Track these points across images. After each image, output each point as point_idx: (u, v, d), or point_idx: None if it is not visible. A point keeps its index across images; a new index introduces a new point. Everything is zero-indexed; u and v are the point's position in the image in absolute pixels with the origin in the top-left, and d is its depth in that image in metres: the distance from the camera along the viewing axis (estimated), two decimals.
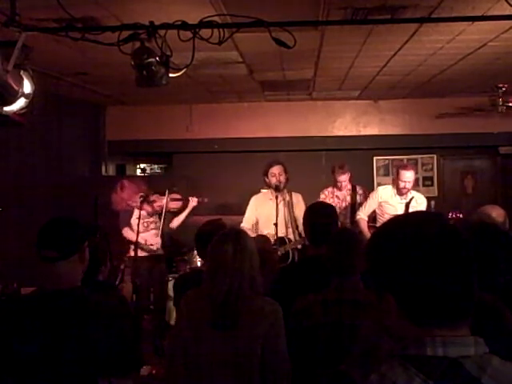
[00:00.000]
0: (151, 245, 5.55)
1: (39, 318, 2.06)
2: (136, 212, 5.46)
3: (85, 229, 2.27)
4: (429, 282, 1.06)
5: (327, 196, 6.18)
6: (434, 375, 1.01)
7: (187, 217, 5.90)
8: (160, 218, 5.66)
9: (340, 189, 6.14)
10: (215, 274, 2.40)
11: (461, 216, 5.32)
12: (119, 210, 5.54)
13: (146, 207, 5.57)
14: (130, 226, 5.45)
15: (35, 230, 2.18)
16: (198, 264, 5.59)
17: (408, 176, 5.52)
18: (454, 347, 1.04)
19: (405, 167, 5.65)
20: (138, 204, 5.42)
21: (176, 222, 5.77)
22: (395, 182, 5.71)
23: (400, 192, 5.62)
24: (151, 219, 5.65)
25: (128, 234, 5.45)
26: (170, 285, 6.05)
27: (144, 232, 5.49)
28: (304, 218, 3.42)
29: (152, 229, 5.63)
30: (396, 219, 1.21)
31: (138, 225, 5.24)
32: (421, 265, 1.06)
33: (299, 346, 2.51)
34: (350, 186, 6.18)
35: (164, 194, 5.69)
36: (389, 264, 1.12)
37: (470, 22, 4.02)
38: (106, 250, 2.84)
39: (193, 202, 5.84)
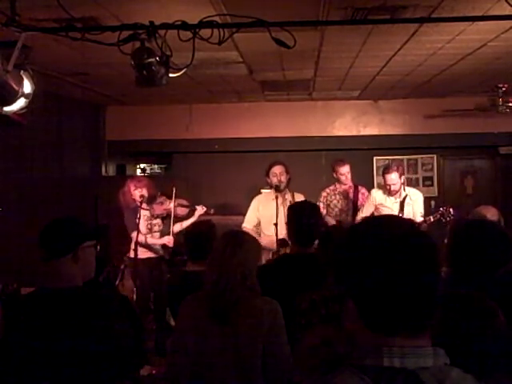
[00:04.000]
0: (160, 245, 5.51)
1: (37, 316, 2.07)
2: (141, 213, 5.42)
3: (83, 230, 2.27)
4: (387, 288, 1.02)
5: (329, 193, 6.15)
6: None
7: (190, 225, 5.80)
8: (163, 222, 5.62)
9: (344, 182, 6.07)
10: (209, 272, 2.47)
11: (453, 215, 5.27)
12: (125, 207, 5.47)
13: (154, 208, 5.54)
14: (138, 229, 5.28)
15: (35, 230, 2.19)
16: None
17: (392, 178, 5.52)
18: (412, 358, 1.00)
19: (388, 171, 5.59)
20: (139, 204, 5.38)
21: (178, 228, 5.67)
22: (384, 186, 5.74)
23: (390, 194, 5.64)
24: (155, 221, 5.60)
25: (136, 236, 5.36)
26: None
27: (148, 233, 5.48)
28: (288, 217, 3.39)
29: (155, 231, 5.59)
30: (361, 222, 1.18)
31: (138, 225, 5.23)
32: (380, 269, 1.03)
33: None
34: (351, 184, 6.16)
35: (170, 197, 5.65)
36: (348, 267, 1.09)
37: (470, 22, 4.02)
38: (108, 250, 2.86)
39: (200, 210, 5.74)
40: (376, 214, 5.83)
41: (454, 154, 8.68)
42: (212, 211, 5.94)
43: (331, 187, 6.20)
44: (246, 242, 2.52)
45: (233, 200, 7.98)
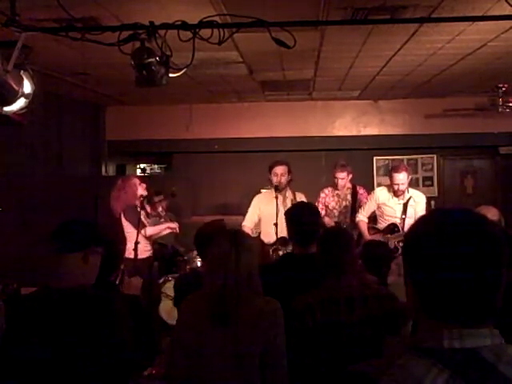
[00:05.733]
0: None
1: (40, 317, 2.07)
2: (144, 210, 5.44)
3: (96, 234, 2.30)
4: (449, 282, 1.06)
5: (327, 195, 6.14)
6: (452, 364, 1.02)
7: (158, 233, 5.69)
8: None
9: (337, 186, 6.07)
10: (212, 273, 2.42)
11: None
12: (125, 204, 5.45)
13: (152, 208, 5.55)
14: (138, 227, 5.20)
15: (35, 230, 2.21)
16: (199, 264, 5.57)
17: (401, 178, 5.48)
18: (471, 339, 1.05)
19: (396, 170, 5.56)
20: (139, 204, 5.39)
21: (151, 231, 5.55)
22: (390, 185, 5.71)
23: (395, 194, 5.61)
24: (149, 220, 5.62)
25: (150, 231, 5.36)
26: (170, 285, 6.08)
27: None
28: (287, 219, 3.38)
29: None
30: (432, 212, 1.22)
31: (139, 224, 5.23)
32: (443, 262, 1.06)
33: (304, 345, 2.52)
34: (350, 185, 6.14)
35: (161, 198, 5.67)
36: (410, 256, 1.14)
37: (470, 22, 4.03)
38: (116, 252, 2.88)
39: (173, 224, 5.66)
40: (378, 212, 5.83)
41: (453, 153, 8.68)
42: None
43: (329, 188, 6.18)
44: (247, 242, 2.50)
45: (233, 200, 7.99)
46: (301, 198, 5.29)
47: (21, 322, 2.12)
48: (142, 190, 5.42)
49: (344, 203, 6.09)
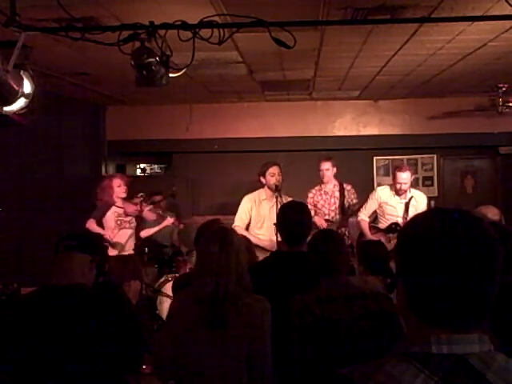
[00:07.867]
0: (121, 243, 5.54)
1: (42, 315, 2.07)
2: (113, 209, 5.45)
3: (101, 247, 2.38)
4: (442, 286, 1.04)
5: (315, 194, 6.08)
6: (439, 371, 1.00)
7: (156, 232, 5.99)
8: (136, 221, 5.68)
9: (322, 180, 6.04)
10: (202, 273, 2.41)
11: None
12: (101, 204, 5.50)
13: (126, 206, 5.55)
14: (96, 219, 5.38)
15: (35, 230, 2.21)
16: None
17: (404, 177, 5.52)
18: (459, 345, 1.03)
19: (400, 169, 5.64)
20: (117, 202, 5.44)
21: (145, 233, 5.73)
22: (393, 184, 5.72)
23: (397, 193, 5.64)
24: (127, 218, 5.58)
25: (91, 225, 5.33)
26: (170, 284, 6.08)
27: (115, 229, 5.47)
28: (278, 217, 3.38)
29: (126, 228, 5.57)
30: (422, 214, 1.19)
31: (137, 225, 5.25)
32: (429, 263, 1.05)
33: (304, 341, 2.52)
34: (336, 182, 6.09)
35: (153, 201, 5.74)
36: (402, 256, 1.12)
37: (470, 22, 4.03)
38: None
39: (168, 221, 5.82)
40: (379, 211, 5.84)
41: (453, 153, 8.68)
42: (181, 226, 6.14)
43: (317, 187, 6.14)
44: (236, 241, 2.50)
45: (233, 200, 7.94)
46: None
47: (21, 319, 2.12)
48: (121, 193, 5.46)
49: (332, 200, 6.04)
